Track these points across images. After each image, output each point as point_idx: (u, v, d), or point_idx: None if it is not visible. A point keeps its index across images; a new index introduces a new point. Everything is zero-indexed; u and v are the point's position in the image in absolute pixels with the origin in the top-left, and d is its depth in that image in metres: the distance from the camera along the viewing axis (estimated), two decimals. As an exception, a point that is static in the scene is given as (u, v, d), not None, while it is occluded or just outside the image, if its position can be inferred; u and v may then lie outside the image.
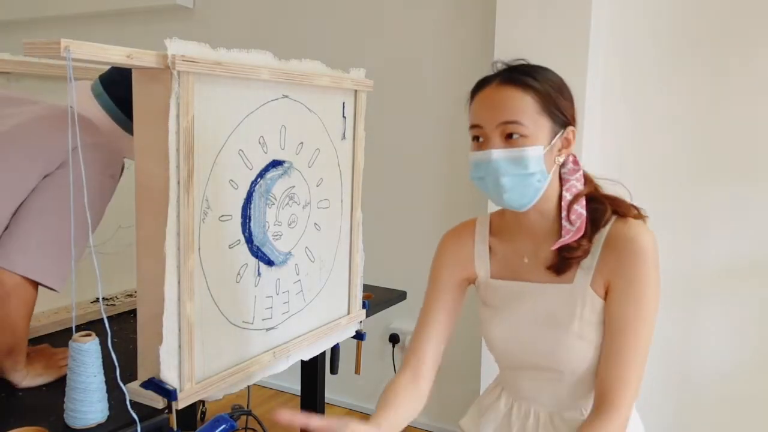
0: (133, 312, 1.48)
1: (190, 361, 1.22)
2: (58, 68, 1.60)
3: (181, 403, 1.20)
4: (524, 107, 1.03)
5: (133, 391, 1.19)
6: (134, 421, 1.11)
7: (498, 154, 1.03)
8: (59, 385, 1.21)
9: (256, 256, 1.40)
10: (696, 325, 2.27)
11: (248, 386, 1.48)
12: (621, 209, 1.10)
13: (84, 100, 1.37)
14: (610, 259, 1.06)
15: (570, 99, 1.09)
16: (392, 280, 2.26)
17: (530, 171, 1.04)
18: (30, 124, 1.24)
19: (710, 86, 2.17)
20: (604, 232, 1.08)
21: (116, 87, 1.36)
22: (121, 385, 1.11)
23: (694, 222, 2.23)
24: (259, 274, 1.42)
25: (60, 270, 1.19)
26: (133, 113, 1.19)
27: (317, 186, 1.57)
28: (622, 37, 2.26)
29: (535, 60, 1.11)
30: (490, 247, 1.20)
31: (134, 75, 1.17)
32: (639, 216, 1.09)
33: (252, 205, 1.37)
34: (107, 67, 1.42)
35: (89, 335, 1.11)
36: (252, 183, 1.36)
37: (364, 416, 2.91)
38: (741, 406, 2.22)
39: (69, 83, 0.98)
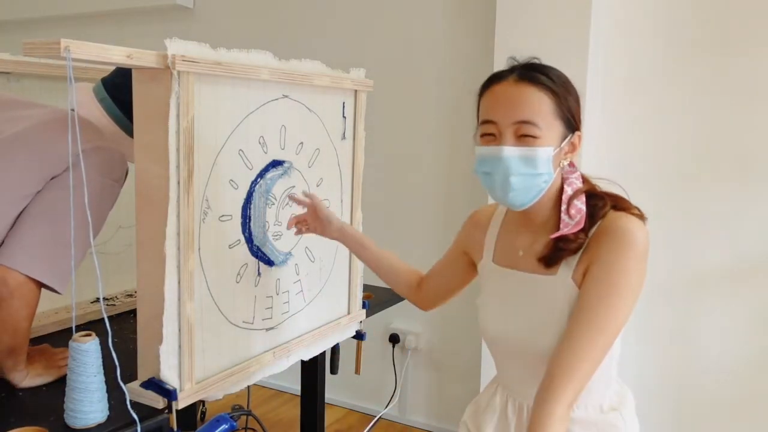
0: (133, 312, 1.48)
1: (190, 361, 1.22)
2: (58, 68, 1.60)
3: (181, 403, 1.20)
4: (541, 108, 1.03)
5: (133, 391, 1.19)
6: (134, 421, 1.11)
7: (510, 151, 1.03)
8: (59, 385, 1.21)
9: (256, 256, 1.40)
10: (696, 325, 2.27)
11: (248, 386, 1.48)
12: (621, 205, 1.10)
13: (86, 104, 1.37)
14: (594, 247, 1.05)
15: (578, 102, 1.09)
16: (392, 280, 2.25)
17: (539, 171, 1.04)
18: (38, 127, 1.25)
19: (710, 86, 2.17)
20: (597, 225, 1.08)
21: (120, 91, 1.36)
22: (121, 385, 1.11)
23: (694, 222, 2.23)
24: (259, 274, 1.42)
25: (63, 271, 1.19)
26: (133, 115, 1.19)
27: (317, 186, 1.57)
28: (621, 37, 2.26)
29: (534, 60, 1.11)
30: (498, 234, 1.22)
31: (134, 75, 1.17)
32: (640, 216, 1.09)
33: (252, 205, 1.37)
34: (108, 68, 1.42)
35: (89, 335, 1.11)
36: (252, 183, 1.36)
37: (365, 416, 2.92)
38: (741, 406, 2.22)
39: (69, 83, 0.98)
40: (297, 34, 2.88)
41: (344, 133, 1.63)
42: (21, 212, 1.19)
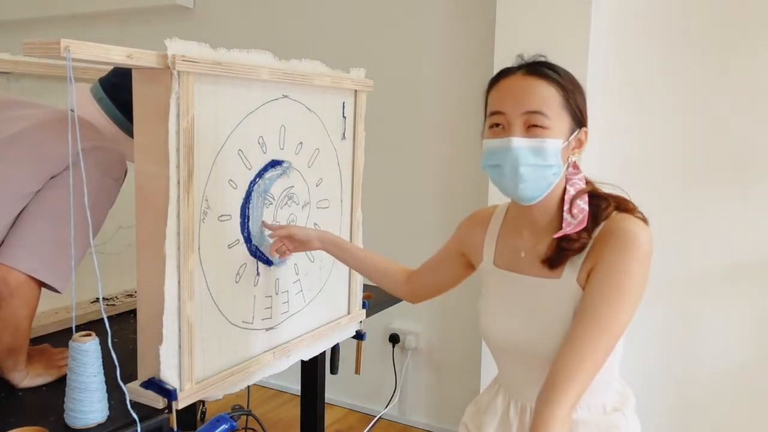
0: (133, 312, 1.48)
1: (190, 361, 1.23)
2: (58, 68, 1.60)
3: (181, 403, 1.20)
4: (550, 99, 1.04)
5: (133, 391, 1.19)
6: (134, 421, 1.11)
7: (519, 142, 1.03)
8: (59, 385, 1.21)
9: (255, 256, 1.40)
10: (696, 325, 2.27)
11: (248, 386, 1.48)
12: (624, 206, 1.10)
13: (84, 104, 1.37)
14: (598, 248, 1.05)
15: (584, 99, 1.10)
16: (392, 280, 2.25)
17: (549, 163, 1.04)
18: (37, 127, 1.25)
19: (710, 87, 2.17)
20: (601, 226, 1.08)
21: (118, 91, 1.36)
22: (121, 385, 1.11)
23: (695, 222, 2.23)
24: (258, 273, 1.42)
25: (63, 270, 1.20)
26: (133, 116, 1.19)
27: (317, 186, 1.57)
28: (621, 37, 2.26)
29: (534, 60, 1.11)
30: (498, 236, 1.21)
31: (134, 75, 1.17)
32: (643, 219, 1.09)
33: (251, 205, 1.37)
34: (107, 68, 1.42)
35: (89, 335, 1.11)
36: (251, 183, 1.36)
37: (365, 416, 2.92)
38: (741, 406, 2.22)
39: (69, 84, 0.98)
40: (297, 34, 2.88)
41: (344, 133, 1.63)
42: (21, 211, 1.19)
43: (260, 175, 1.38)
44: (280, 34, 2.93)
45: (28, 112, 1.30)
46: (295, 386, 2.89)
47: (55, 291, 1.21)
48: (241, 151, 1.32)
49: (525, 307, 1.13)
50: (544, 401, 1.01)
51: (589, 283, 1.05)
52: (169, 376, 1.19)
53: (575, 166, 1.11)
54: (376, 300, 1.93)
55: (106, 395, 1.13)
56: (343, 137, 1.63)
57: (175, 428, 1.19)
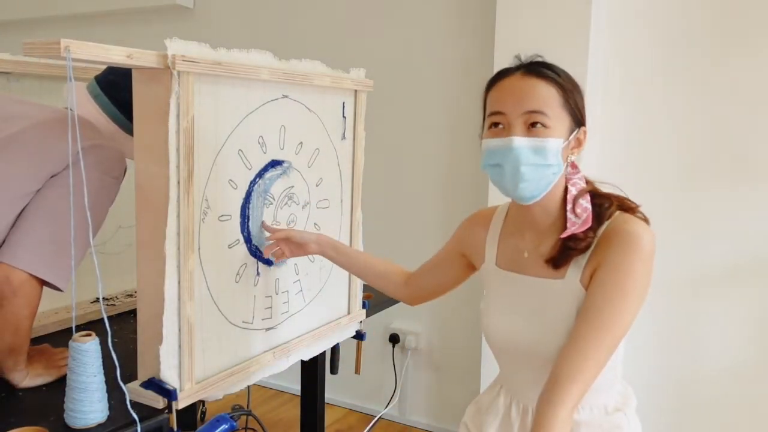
0: (133, 312, 1.48)
1: (190, 361, 1.23)
2: (58, 68, 1.60)
3: (181, 403, 1.20)
4: (550, 99, 1.04)
5: (133, 391, 1.19)
6: (134, 421, 1.11)
7: (520, 141, 1.03)
8: (59, 385, 1.21)
9: (255, 256, 1.40)
10: (697, 325, 2.27)
11: (248, 386, 1.48)
12: (626, 206, 1.10)
13: (82, 103, 1.37)
14: (602, 249, 1.06)
15: (583, 99, 1.10)
16: (392, 280, 2.25)
17: (549, 162, 1.04)
18: (36, 126, 1.25)
19: (710, 86, 2.17)
20: (605, 226, 1.08)
21: (114, 88, 1.36)
22: (121, 385, 1.11)
23: (695, 222, 2.23)
24: (258, 273, 1.42)
25: (65, 269, 1.20)
26: (132, 114, 1.19)
27: (317, 186, 1.57)
28: (621, 37, 2.26)
29: (534, 60, 1.11)
30: (500, 236, 1.21)
31: (134, 75, 1.17)
32: (644, 219, 1.10)
33: (251, 205, 1.37)
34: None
35: (89, 335, 1.11)
36: (251, 183, 1.36)
37: (365, 416, 2.92)
38: (742, 406, 2.22)
39: (69, 83, 0.98)
40: (297, 34, 2.88)
41: (344, 133, 1.63)
42: (22, 211, 1.19)
43: (260, 175, 1.38)
44: (280, 34, 2.93)
45: (27, 111, 1.30)
46: (295, 386, 2.89)
47: (58, 289, 1.21)
48: (241, 151, 1.32)
49: (528, 308, 1.13)
50: (546, 401, 1.01)
51: (593, 283, 1.05)
52: (169, 376, 1.19)
53: (574, 166, 1.11)
54: (376, 300, 1.93)
55: (106, 395, 1.13)
56: (343, 137, 1.63)
57: (175, 428, 1.19)
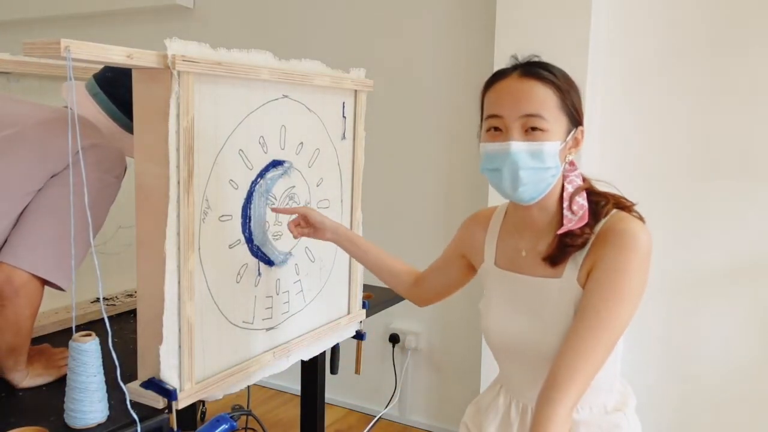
0: (133, 312, 1.48)
1: (190, 361, 1.22)
2: (58, 68, 1.60)
3: (181, 403, 1.20)
4: (547, 101, 1.04)
5: (133, 391, 1.19)
6: (134, 421, 1.11)
7: (518, 146, 1.03)
8: (59, 385, 1.21)
9: (256, 256, 1.40)
10: (696, 325, 2.26)
11: (248, 386, 1.48)
12: (622, 204, 1.10)
13: (81, 101, 1.38)
14: (598, 247, 1.06)
15: (580, 98, 1.10)
16: (392, 280, 2.25)
17: (547, 165, 1.04)
18: (36, 126, 1.25)
19: (711, 86, 2.17)
20: (601, 224, 1.08)
21: (113, 85, 1.37)
22: (122, 385, 1.11)
23: (695, 222, 2.23)
24: (259, 274, 1.42)
25: (67, 268, 1.20)
26: (131, 111, 1.19)
27: (317, 186, 1.57)
28: (621, 37, 2.26)
29: (535, 60, 1.11)
30: (498, 236, 1.22)
31: (134, 75, 1.17)
32: (639, 217, 1.10)
33: (252, 205, 1.37)
34: (106, 67, 1.42)
35: (89, 335, 1.11)
36: (252, 183, 1.36)
37: (365, 416, 2.92)
38: (742, 405, 2.22)
39: (68, 82, 0.98)
40: (297, 34, 2.88)
41: (344, 133, 1.63)
42: (23, 211, 1.19)
43: (262, 175, 1.38)
44: (280, 34, 2.93)
45: (27, 111, 1.30)
46: (295, 386, 2.89)
47: (59, 289, 1.21)
48: (242, 151, 1.32)
49: (527, 307, 1.13)
50: (544, 400, 1.01)
51: (589, 282, 1.05)
52: (169, 376, 1.19)
53: (571, 163, 1.12)
54: (376, 300, 1.93)
55: (106, 395, 1.13)
56: (343, 137, 1.63)
57: (175, 428, 1.19)
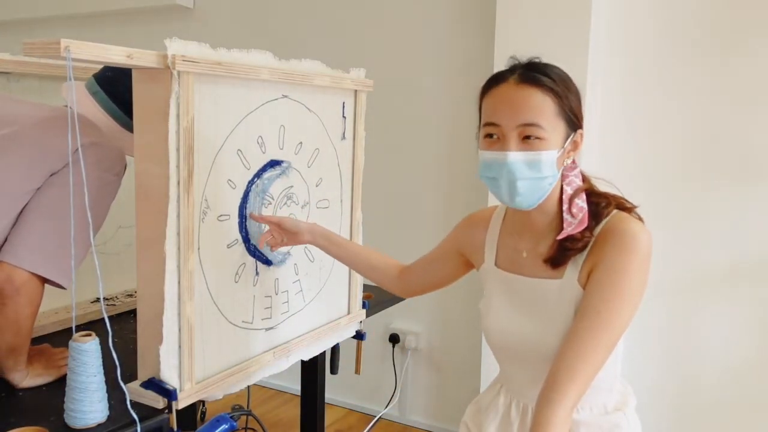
0: (133, 312, 1.48)
1: (190, 361, 1.23)
2: (58, 68, 1.60)
3: (181, 403, 1.20)
4: (544, 109, 1.03)
5: (133, 391, 1.19)
6: (134, 421, 1.11)
7: (515, 156, 1.03)
8: (59, 385, 1.21)
9: (254, 256, 1.40)
10: (697, 325, 2.26)
11: (248, 386, 1.48)
12: (623, 206, 1.10)
13: (81, 99, 1.38)
14: (599, 248, 1.06)
15: (579, 100, 1.09)
16: (392, 280, 2.25)
17: (544, 175, 1.04)
18: (36, 125, 1.25)
19: (710, 86, 2.17)
20: (602, 225, 1.08)
21: (112, 83, 1.37)
22: (122, 385, 1.11)
23: (695, 222, 2.23)
24: (257, 273, 1.42)
25: (67, 267, 1.20)
26: (130, 110, 1.19)
27: (317, 186, 1.57)
28: (621, 37, 2.26)
29: (535, 60, 1.10)
30: (499, 237, 1.22)
31: (134, 75, 1.17)
32: (639, 218, 1.10)
33: (248, 205, 1.37)
34: (106, 67, 1.42)
35: (89, 335, 1.11)
36: (249, 183, 1.36)
37: (365, 416, 2.92)
38: (742, 406, 2.22)
39: (68, 82, 0.98)
40: (297, 34, 2.88)
41: (344, 133, 1.63)
42: (22, 209, 1.19)
43: (258, 175, 1.38)
44: (280, 34, 2.93)
45: (26, 110, 1.30)
46: (295, 386, 2.89)
47: (60, 287, 1.21)
48: (240, 150, 1.32)
49: (527, 308, 1.13)
50: (544, 401, 1.01)
51: (590, 283, 1.05)
52: (169, 376, 1.19)
53: (572, 162, 1.11)
54: (376, 300, 1.93)
55: (106, 395, 1.13)
56: (343, 137, 1.63)
57: (175, 428, 1.19)
